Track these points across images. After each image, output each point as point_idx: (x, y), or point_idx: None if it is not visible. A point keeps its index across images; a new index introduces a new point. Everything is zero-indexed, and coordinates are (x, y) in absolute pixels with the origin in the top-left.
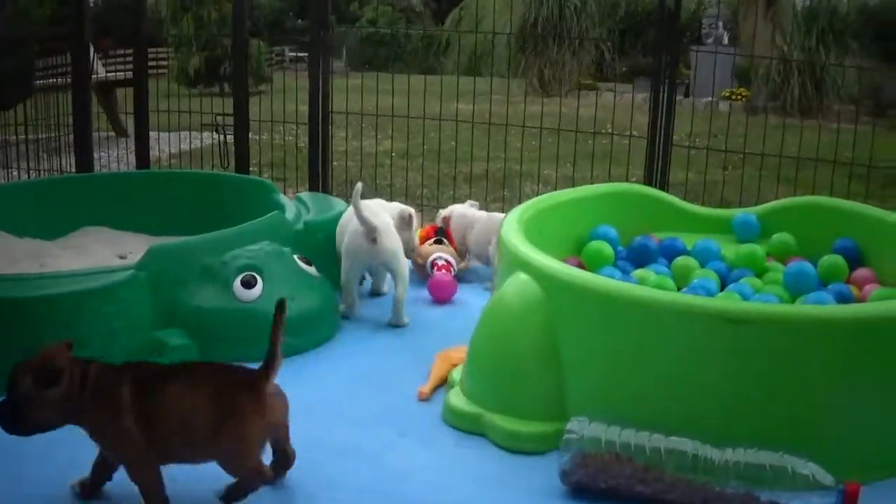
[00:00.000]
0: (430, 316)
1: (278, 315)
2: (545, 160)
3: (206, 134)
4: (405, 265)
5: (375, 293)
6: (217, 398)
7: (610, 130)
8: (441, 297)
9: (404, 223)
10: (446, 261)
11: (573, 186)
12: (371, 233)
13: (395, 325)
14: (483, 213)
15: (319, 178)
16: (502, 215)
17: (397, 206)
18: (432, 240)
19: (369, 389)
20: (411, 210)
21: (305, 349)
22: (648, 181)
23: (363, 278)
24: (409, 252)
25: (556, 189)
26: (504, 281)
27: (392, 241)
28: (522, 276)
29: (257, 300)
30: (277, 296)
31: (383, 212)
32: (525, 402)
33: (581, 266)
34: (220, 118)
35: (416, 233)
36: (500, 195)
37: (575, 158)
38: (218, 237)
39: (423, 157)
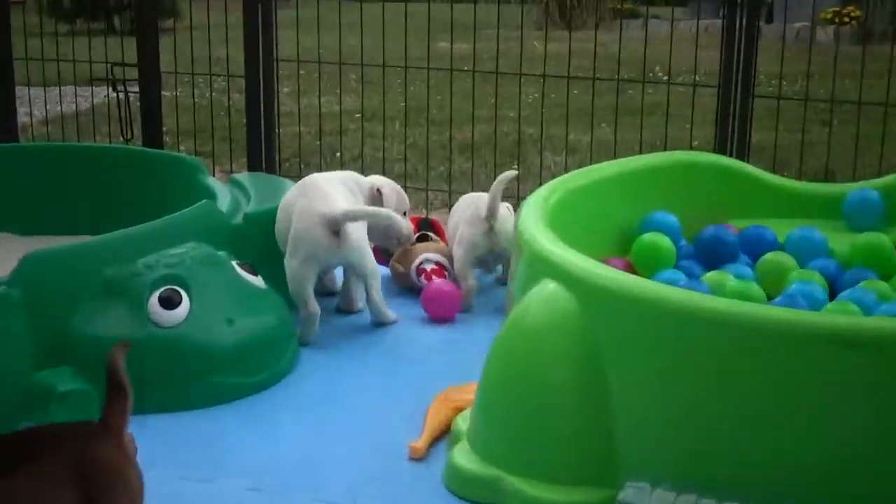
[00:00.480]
0: (423, 341)
1: (112, 362)
2: (574, 119)
3: (98, 90)
4: (374, 259)
5: (346, 310)
6: (68, 485)
7: (663, 76)
8: (439, 313)
9: (373, 202)
10: (437, 263)
11: (614, 157)
12: (334, 223)
13: (382, 322)
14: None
15: (262, 152)
16: (479, 195)
17: (370, 179)
18: (415, 236)
19: (343, 446)
20: (383, 183)
21: (253, 390)
22: (721, 146)
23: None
24: (393, 243)
25: (590, 161)
26: (525, 292)
27: (359, 232)
28: (550, 286)
29: (183, 324)
30: (211, 317)
31: (344, 188)
32: (559, 460)
33: (630, 269)
34: (117, 69)
35: (406, 218)
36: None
37: (616, 116)
38: (124, 238)
39: (405, 119)
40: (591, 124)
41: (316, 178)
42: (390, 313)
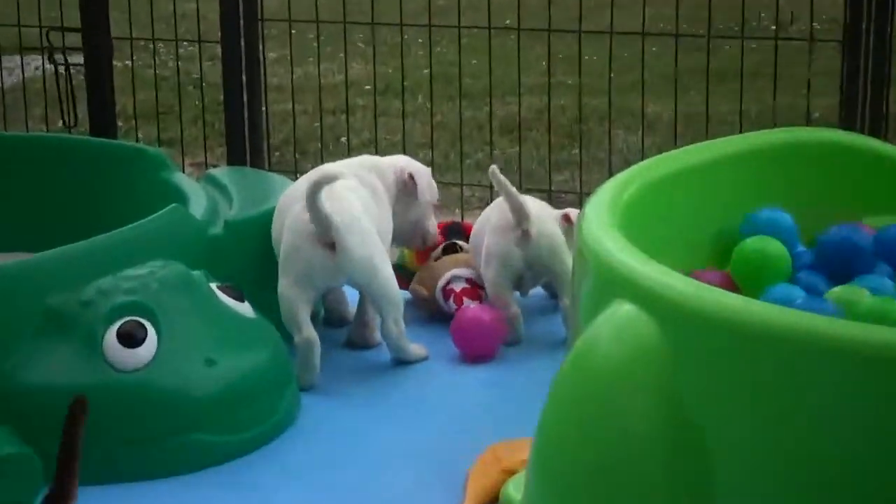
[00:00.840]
0: (458, 384)
1: (71, 421)
2: (652, 87)
3: (29, 61)
4: (389, 277)
5: (360, 344)
6: None
7: (769, 26)
8: (476, 349)
9: (405, 192)
10: (468, 281)
11: (706, 136)
12: (325, 231)
13: (404, 360)
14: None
15: (245, 139)
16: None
17: (395, 162)
18: (439, 248)
19: None
20: (416, 167)
21: (242, 451)
22: (849, 119)
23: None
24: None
25: (674, 142)
26: (591, 318)
27: (365, 242)
28: (625, 309)
29: (149, 367)
30: (185, 356)
31: (356, 182)
32: None
33: (730, 284)
34: (54, 34)
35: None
36: (568, 156)
37: (708, 81)
38: (69, 256)
39: (430, 92)
40: (675, 92)
41: (324, 169)
42: (414, 348)
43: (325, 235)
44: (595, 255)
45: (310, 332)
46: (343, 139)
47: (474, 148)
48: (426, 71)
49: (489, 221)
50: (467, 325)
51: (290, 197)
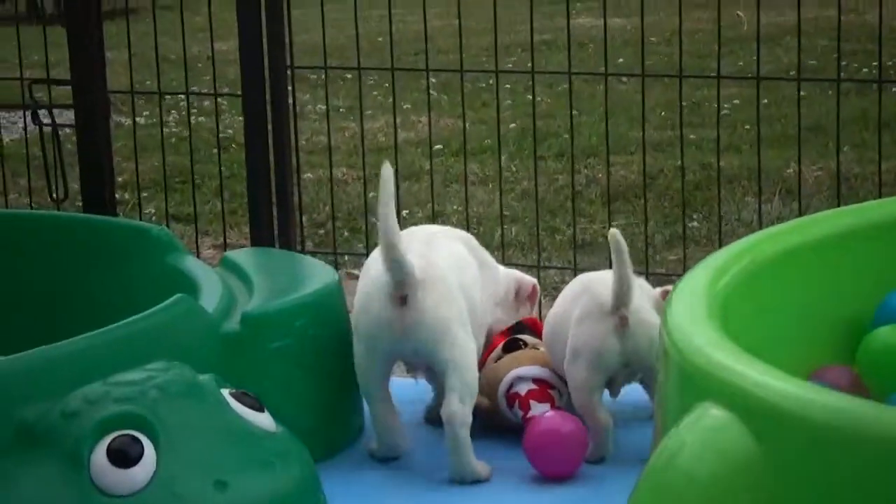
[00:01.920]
0: None
1: None
2: (795, 139)
3: (9, 119)
4: (467, 350)
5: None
6: None
7: None
8: (553, 466)
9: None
10: (536, 381)
11: (839, 202)
12: (400, 283)
13: (459, 477)
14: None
15: (273, 216)
16: (596, 276)
17: (509, 272)
18: (499, 347)
19: None
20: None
21: None
22: None
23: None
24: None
25: (798, 206)
26: (676, 424)
27: (445, 303)
28: (714, 414)
29: (146, 491)
30: (190, 478)
31: (464, 247)
32: None
33: (857, 385)
34: (39, 87)
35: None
36: (682, 230)
37: (880, 129)
38: (51, 357)
39: (507, 151)
40: (836, 147)
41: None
42: (477, 465)
43: (399, 286)
44: (679, 350)
45: (385, 407)
46: (405, 213)
47: (561, 220)
48: (513, 125)
49: (575, 306)
50: (542, 439)
51: (372, 260)
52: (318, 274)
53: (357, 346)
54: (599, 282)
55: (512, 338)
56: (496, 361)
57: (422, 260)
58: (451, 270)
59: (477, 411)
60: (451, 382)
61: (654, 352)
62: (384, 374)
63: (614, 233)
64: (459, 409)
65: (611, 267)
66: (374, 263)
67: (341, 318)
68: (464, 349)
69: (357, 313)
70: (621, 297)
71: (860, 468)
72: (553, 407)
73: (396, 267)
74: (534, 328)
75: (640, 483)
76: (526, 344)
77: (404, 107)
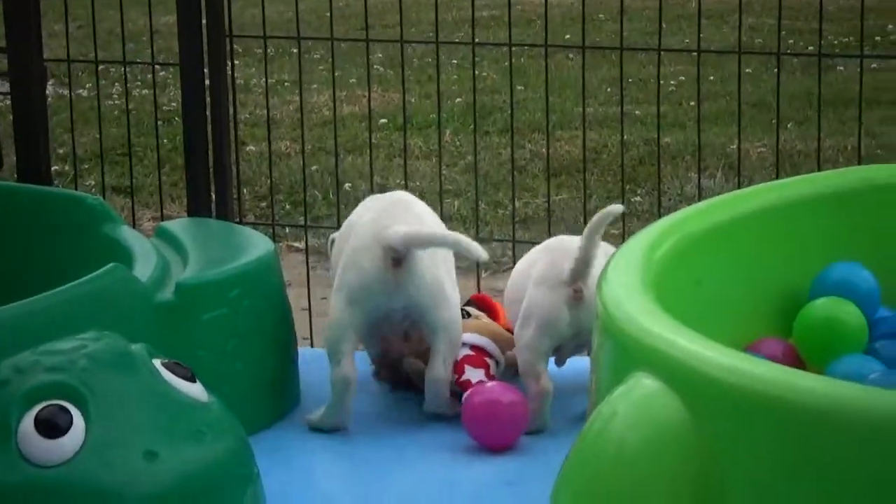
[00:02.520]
0: (468, 481)
1: None
2: (755, 115)
3: None
4: (457, 311)
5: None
6: None
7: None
8: (491, 437)
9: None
10: (475, 347)
11: (778, 175)
12: (393, 248)
13: (438, 412)
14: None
15: (210, 186)
16: (559, 241)
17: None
18: None
19: None
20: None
21: None
22: None
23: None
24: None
25: (738, 181)
26: (608, 393)
27: (439, 266)
28: (645, 384)
29: (75, 461)
30: (120, 449)
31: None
32: None
33: (793, 357)
34: None
35: None
36: (627, 205)
37: (819, 107)
38: None
39: (453, 125)
40: (777, 127)
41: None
42: (450, 403)
43: (392, 251)
44: (613, 319)
45: (349, 367)
46: (347, 185)
47: (508, 196)
48: (459, 100)
49: (534, 269)
50: (480, 409)
51: (353, 222)
52: (254, 244)
53: (339, 301)
54: (563, 249)
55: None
56: None
57: (417, 223)
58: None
59: (412, 375)
60: (439, 345)
61: None
62: (361, 331)
63: (609, 209)
64: (443, 372)
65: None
66: (362, 220)
67: (277, 288)
68: (454, 310)
69: (345, 268)
70: (580, 270)
71: (790, 438)
72: (487, 374)
73: (390, 237)
74: (481, 304)
75: (572, 451)
76: (469, 315)
77: (350, 81)
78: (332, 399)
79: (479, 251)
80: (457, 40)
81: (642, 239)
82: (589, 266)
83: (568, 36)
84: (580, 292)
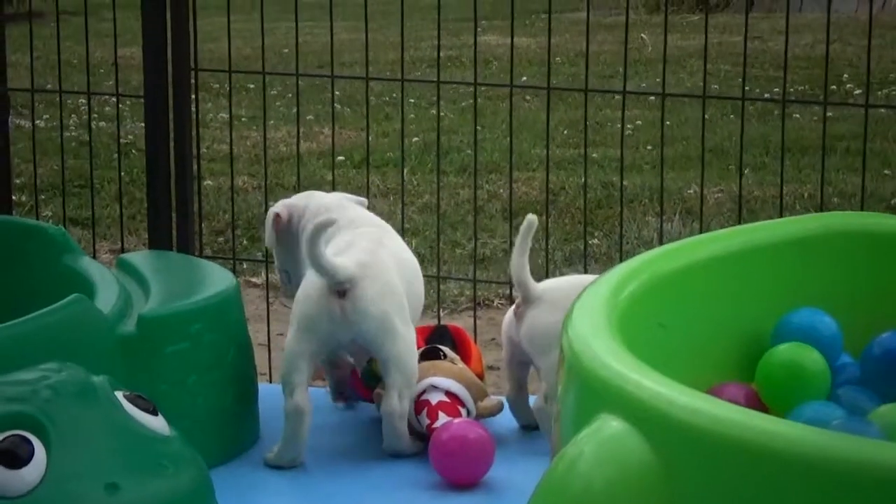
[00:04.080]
0: None
1: None
2: (698, 161)
3: None
4: (409, 345)
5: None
6: None
7: (854, 89)
8: (459, 473)
9: None
10: (448, 394)
11: (740, 221)
12: (337, 279)
13: (395, 453)
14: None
15: (171, 220)
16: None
17: None
18: (417, 352)
19: None
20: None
21: None
22: None
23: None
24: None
25: (700, 225)
26: (573, 434)
27: (386, 296)
28: (612, 426)
29: (35, 492)
30: (82, 481)
31: (396, 240)
32: None
33: (756, 402)
34: None
35: None
36: (584, 248)
37: (783, 153)
38: None
39: (410, 164)
40: (739, 170)
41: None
42: (407, 442)
43: (337, 281)
44: (579, 360)
45: (303, 398)
46: None
47: (463, 235)
48: (416, 139)
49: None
50: (449, 444)
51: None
52: (215, 278)
53: (292, 331)
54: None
55: (433, 346)
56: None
57: (365, 255)
58: (395, 265)
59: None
60: (393, 378)
61: (539, 352)
62: (314, 361)
63: (528, 221)
64: (398, 406)
65: (511, 283)
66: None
67: (239, 323)
68: (406, 342)
69: (298, 298)
70: (519, 285)
71: (754, 481)
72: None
73: (330, 270)
74: (456, 335)
75: (537, 491)
76: (445, 356)
77: (307, 118)
78: (286, 432)
79: None
80: (420, 79)
81: (607, 281)
82: (523, 286)
83: (524, 78)
84: (520, 308)
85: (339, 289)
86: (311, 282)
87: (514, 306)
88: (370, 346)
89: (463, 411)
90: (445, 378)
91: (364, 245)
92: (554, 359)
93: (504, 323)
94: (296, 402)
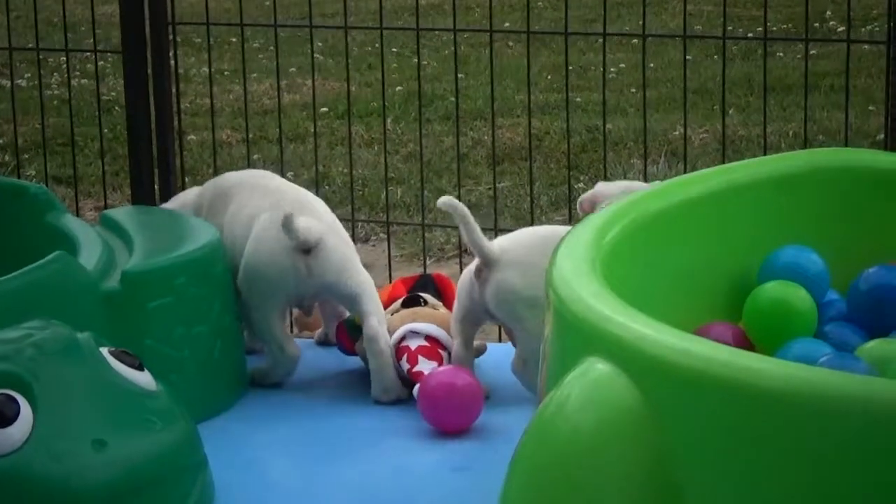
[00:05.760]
0: (416, 468)
1: None
2: (682, 103)
3: None
4: (368, 277)
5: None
6: None
7: (836, 26)
8: (446, 419)
9: None
10: (427, 339)
11: (724, 160)
12: (304, 240)
13: (381, 400)
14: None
15: (153, 174)
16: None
17: None
18: (399, 302)
19: None
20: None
21: None
22: (893, 141)
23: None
24: None
25: (685, 166)
26: (560, 378)
27: (343, 243)
28: (599, 368)
29: (22, 451)
30: (68, 438)
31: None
32: None
33: (743, 341)
34: None
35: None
36: (569, 192)
37: (766, 92)
38: None
39: (393, 113)
40: (722, 110)
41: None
42: (394, 376)
43: (303, 242)
44: (564, 304)
45: (293, 346)
46: (290, 174)
47: (448, 181)
48: (400, 88)
49: None
50: (437, 391)
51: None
52: (199, 232)
53: (252, 294)
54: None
55: (414, 294)
56: (392, 315)
57: (316, 215)
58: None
59: (364, 361)
60: (366, 307)
61: (509, 312)
62: (284, 314)
63: (445, 200)
64: (379, 328)
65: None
66: (264, 216)
67: (223, 276)
68: (365, 275)
69: (255, 265)
70: (477, 250)
71: (743, 419)
72: (440, 365)
73: (297, 232)
74: (440, 283)
75: (525, 435)
76: (426, 302)
77: (290, 70)
78: (277, 376)
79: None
80: (399, 26)
81: (592, 223)
82: (482, 252)
83: (507, 24)
84: (482, 270)
85: (306, 247)
86: (269, 246)
87: (474, 268)
88: (335, 292)
89: (444, 354)
90: (424, 323)
91: (298, 206)
92: (530, 322)
93: (462, 280)
94: (289, 352)
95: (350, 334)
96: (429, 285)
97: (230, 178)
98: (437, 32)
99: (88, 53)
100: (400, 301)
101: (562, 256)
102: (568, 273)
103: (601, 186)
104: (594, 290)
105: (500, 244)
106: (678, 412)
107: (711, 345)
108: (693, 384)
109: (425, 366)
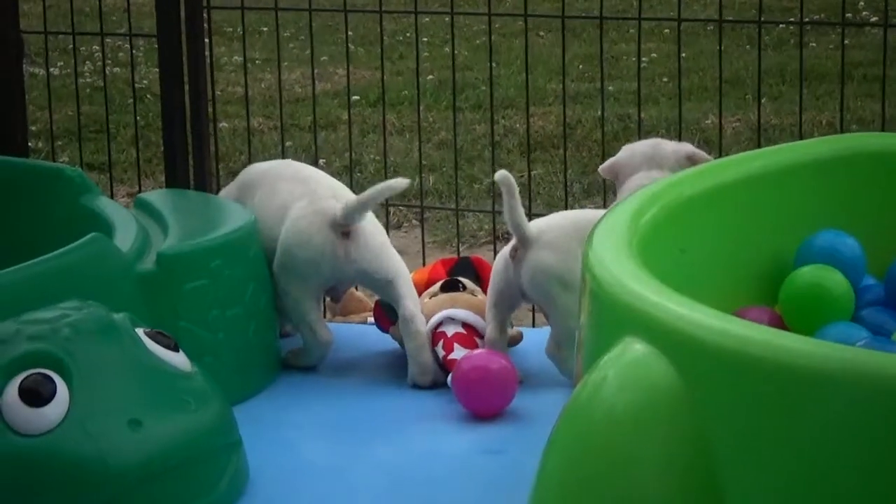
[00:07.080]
0: (449, 451)
1: None
2: (716, 92)
3: None
4: (402, 262)
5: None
6: None
7: (870, 16)
8: (481, 404)
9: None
10: (467, 326)
11: (759, 145)
12: (344, 219)
13: (418, 383)
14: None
15: (187, 160)
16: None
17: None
18: (437, 285)
19: None
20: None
21: None
22: None
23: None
24: None
25: (719, 156)
26: (597, 359)
27: (378, 229)
28: (636, 348)
29: (59, 429)
30: (104, 418)
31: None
32: None
33: (779, 324)
34: None
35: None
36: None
37: (802, 81)
38: None
39: (425, 101)
40: (758, 97)
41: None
42: (430, 358)
43: (343, 221)
44: (601, 285)
45: (326, 331)
46: (322, 161)
47: (481, 170)
48: (431, 77)
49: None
50: (471, 375)
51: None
52: (233, 215)
53: (289, 278)
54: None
55: (453, 278)
56: (431, 298)
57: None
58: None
59: (400, 344)
60: (402, 290)
61: (545, 296)
62: (319, 301)
63: (502, 174)
64: (415, 310)
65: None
66: (301, 204)
67: (258, 258)
68: (401, 263)
69: (293, 249)
70: (515, 228)
71: (781, 400)
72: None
73: (335, 211)
74: (478, 267)
75: (562, 417)
76: (465, 287)
77: (322, 59)
78: (311, 354)
79: (401, 181)
80: (433, 10)
81: (628, 206)
82: (520, 231)
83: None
84: (518, 251)
85: (345, 230)
86: (308, 231)
87: (509, 248)
88: (371, 276)
89: (480, 342)
90: (463, 310)
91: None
92: (564, 303)
93: (496, 264)
94: (321, 337)
95: (387, 314)
96: (468, 268)
97: (254, 169)
98: (468, 22)
99: (121, 42)
100: (439, 284)
101: (598, 239)
102: (605, 254)
103: (625, 152)
104: (631, 271)
105: (537, 225)
106: (716, 393)
107: (749, 325)
108: (731, 364)
109: (460, 354)
